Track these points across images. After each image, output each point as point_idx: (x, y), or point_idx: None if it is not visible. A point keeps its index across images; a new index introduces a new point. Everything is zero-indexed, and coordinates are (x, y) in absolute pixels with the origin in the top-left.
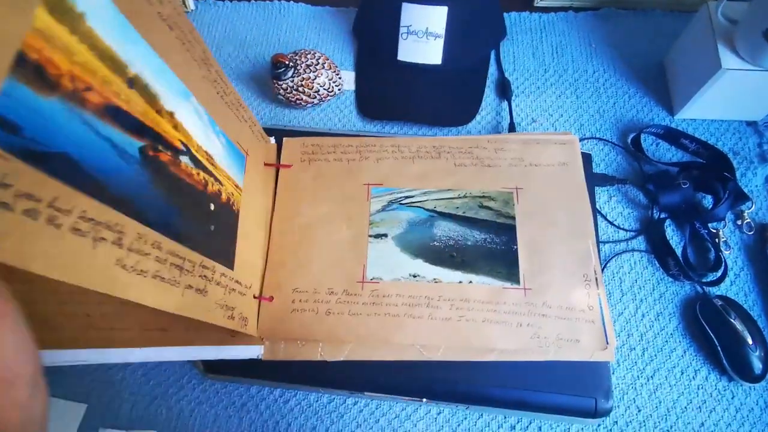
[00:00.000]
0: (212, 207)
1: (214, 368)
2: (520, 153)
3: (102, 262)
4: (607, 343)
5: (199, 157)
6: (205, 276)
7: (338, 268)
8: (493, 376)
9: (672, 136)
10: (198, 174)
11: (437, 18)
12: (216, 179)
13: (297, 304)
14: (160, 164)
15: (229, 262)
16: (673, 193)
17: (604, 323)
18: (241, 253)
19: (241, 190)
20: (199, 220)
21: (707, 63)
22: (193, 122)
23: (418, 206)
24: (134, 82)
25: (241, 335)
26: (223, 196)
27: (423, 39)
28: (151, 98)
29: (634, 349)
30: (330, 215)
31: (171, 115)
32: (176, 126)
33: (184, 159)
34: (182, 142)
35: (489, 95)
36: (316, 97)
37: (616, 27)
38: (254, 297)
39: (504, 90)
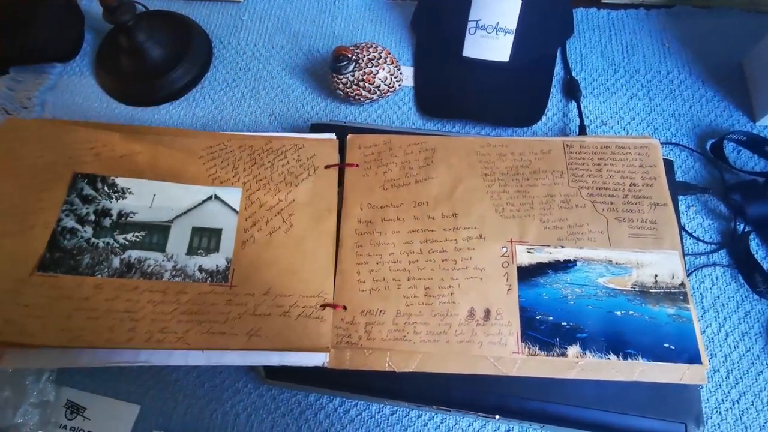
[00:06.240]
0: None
1: (275, 374)
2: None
3: None
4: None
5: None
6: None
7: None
8: (573, 394)
9: (756, 143)
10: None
11: (510, 12)
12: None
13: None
14: None
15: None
16: (762, 205)
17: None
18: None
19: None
20: None
21: None
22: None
23: None
24: None
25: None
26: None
27: (492, 34)
28: None
29: (718, 370)
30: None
31: None
32: None
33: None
34: None
35: (555, 95)
36: (376, 93)
37: (690, 26)
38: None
39: (571, 90)
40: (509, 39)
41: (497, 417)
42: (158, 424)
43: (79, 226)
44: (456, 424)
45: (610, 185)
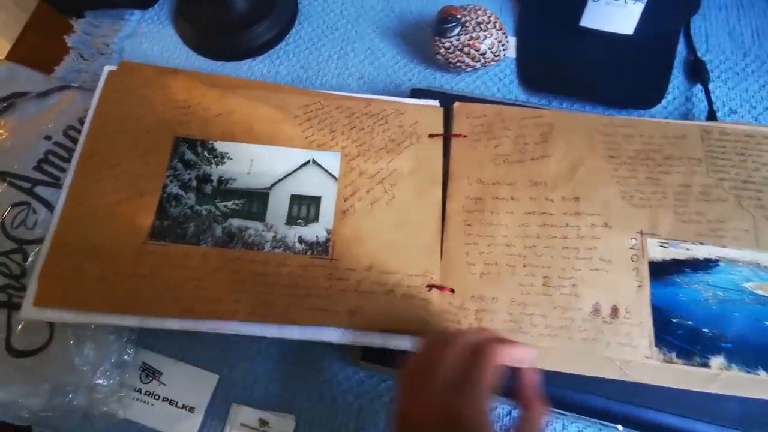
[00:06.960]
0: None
1: (371, 356)
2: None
3: None
4: None
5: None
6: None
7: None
8: (710, 411)
9: None
10: None
11: None
12: None
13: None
14: None
15: None
16: None
17: None
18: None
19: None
20: None
21: None
22: None
23: None
24: None
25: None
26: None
27: (620, 2)
28: None
29: None
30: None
31: None
32: None
33: None
34: None
35: (676, 77)
36: (480, 61)
37: None
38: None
39: (697, 72)
40: (639, 8)
41: (620, 427)
42: (237, 397)
43: (182, 193)
44: (563, 429)
45: (757, 179)
